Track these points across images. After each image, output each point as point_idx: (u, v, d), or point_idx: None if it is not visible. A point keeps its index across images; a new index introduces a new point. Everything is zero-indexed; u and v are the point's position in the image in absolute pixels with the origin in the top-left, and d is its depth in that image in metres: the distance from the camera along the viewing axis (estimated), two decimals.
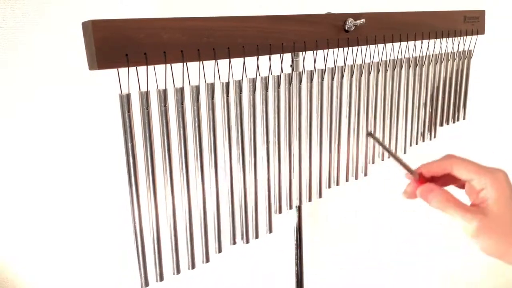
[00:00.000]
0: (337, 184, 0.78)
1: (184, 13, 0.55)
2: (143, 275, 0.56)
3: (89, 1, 0.82)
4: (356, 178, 0.81)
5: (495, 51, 1.33)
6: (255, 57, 0.59)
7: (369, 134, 0.54)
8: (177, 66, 0.53)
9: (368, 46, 0.73)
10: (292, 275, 0.97)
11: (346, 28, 0.67)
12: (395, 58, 0.80)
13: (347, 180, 0.80)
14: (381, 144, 0.50)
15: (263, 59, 0.60)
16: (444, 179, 0.46)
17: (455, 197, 0.42)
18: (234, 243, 0.65)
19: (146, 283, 0.56)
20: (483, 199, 0.41)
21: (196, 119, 0.57)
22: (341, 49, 0.69)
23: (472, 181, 0.43)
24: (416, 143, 0.92)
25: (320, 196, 0.76)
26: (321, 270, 1.28)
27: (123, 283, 0.98)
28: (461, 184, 0.46)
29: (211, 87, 0.57)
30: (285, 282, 1.19)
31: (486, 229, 0.40)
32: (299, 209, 0.89)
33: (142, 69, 0.49)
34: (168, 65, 0.51)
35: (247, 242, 0.66)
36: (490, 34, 1.03)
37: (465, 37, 0.91)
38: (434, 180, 0.46)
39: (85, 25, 0.46)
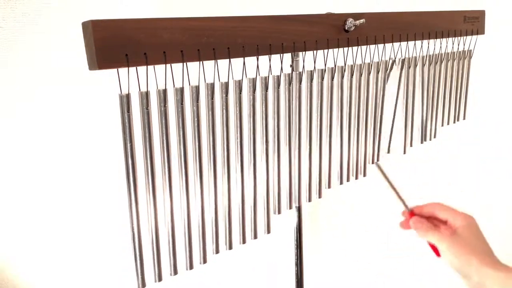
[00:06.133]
0: (338, 184, 0.78)
1: (184, 13, 0.55)
2: (139, 276, 0.55)
3: (89, 1, 0.82)
4: (356, 178, 0.81)
5: (495, 51, 1.33)
6: (255, 57, 0.59)
7: (377, 165, 0.63)
8: (177, 66, 0.53)
9: (368, 46, 0.73)
10: (292, 275, 0.97)
11: (346, 28, 0.67)
12: (395, 58, 0.80)
13: (347, 180, 0.80)
14: (386, 177, 0.61)
15: (263, 59, 0.60)
16: (430, 220, 0.61)
17: (434, 227, 0.58)
18: (231, 248, 0.65)
19: (143, 284, 0.56)
20: (454, 228, 0.56)
21: (196, 119, 0.57)
22: (341, 49, 0.69)
23: (449, 219, 0.58)
24: (419, 143, 0.92)
25: (320, 196, 0.76)
26: (321, 270, 1.29)
27: (123, 283, 0.98)
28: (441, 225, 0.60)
29: (211, 87, 0.57)
30: (285, 282, 1.19)
31: (452, 248, 0.54)
32: (299, 209, 0.89)
33: (142, 69, 0.49)
34: (168, 65, 0.51)
35: (244, 242, 0.66)
36: (490, 34, 1.03)
37: (465, 37, 0.91)
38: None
39: (85, 25, 0.46)
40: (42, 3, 0.79)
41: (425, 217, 0.61)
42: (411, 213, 0.63)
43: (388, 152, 0.88)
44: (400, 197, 0.62)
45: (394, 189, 0.62)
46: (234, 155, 0.62)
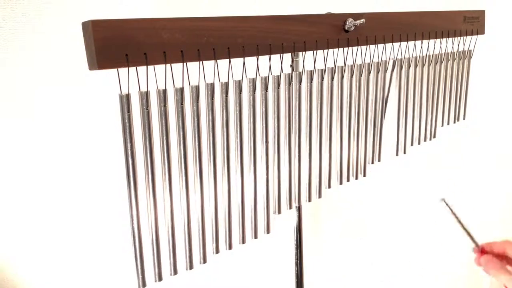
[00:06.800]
0: (338, 184, 0.78)
1: (184, 13, 0.55)
2: (140, 276, 0.56)
3: (89, 1, 0.82)
4: (356, 178, 0.81)
5: (495, 51, 1.33)
6: (255, 57, 0.59)
7: (443, 200, 0.62)
8: (177, 66, 0.53)
9: (368, 46, 0.73)
10: (292, 275, 0.97)
11: (346, 28, 0.67)
12: (395, 58, 0.80)
13: (347, 180, 0.80)
14: (453, 212, 0.61)
15: (263, 59, 0.60)
16: (500, 257, 0.60)
17: (506, 267, 0.56)
18: (230, 248, 0.65)
19: (144, 284, 0.56)
20: None
21: (196, 119, 0.57)
22: (341, 49, 0.69)
23: None
24: (419, 143, 0.92)
25: (319, 196, 0.76)
26: (321, 270, 1.29)
27: (123, 283, 0.98)
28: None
29: (211, 87, 0.57)
30: (285, 282, 1.19)
31: None
32: (299, 209, 0.89)
33: (142, 69, 0.49)
34: (168, 65, 0.51)
35: (244, 242, 0.66)
36: (490, 34, 1.03)
37: (465, 37, 0.91)
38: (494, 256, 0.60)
39: (85, 25, 0.46)
40: (42, 3, 0.79)
41: (495, 255, 0.59)
42: (482, 250, 0.61)
43: (397, 154, 0.88)
44: (468, 233, 0.61)
45: (462, 224, 0.61)
46: (234, 155, 0.62)
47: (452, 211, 0.61)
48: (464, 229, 0.61)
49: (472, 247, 0.62)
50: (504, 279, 0.54)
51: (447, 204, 0.61)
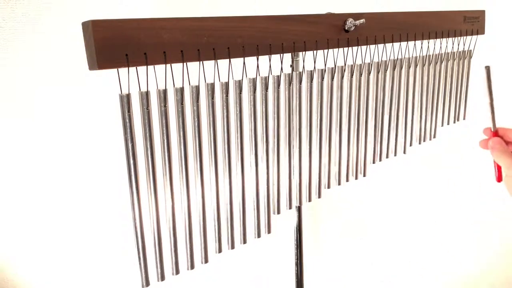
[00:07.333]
0: (338, 184, 0.78)
1: (184, 13, 0.55)
2: (143, 275, 0.56)
3: (89, 1, 0.82)
4: (356, 178, 0.81)
5: (495, 51, 1.33)
6: (255, 57, 0.59)
7: (486, 68, 0.59)
8: (177, 66, 0.53)
9: (368, 46, 0.73)
10: (292, 275, 0.97)
11: (346, 28, 0.67)
12: (395, 58, 0.80)
13: (347, 180, 0.80)
14: (490, 85, 0.59)
15: (263, 59, 0.60)
16: (509, 144, 0.60)
17: (510, 152, 0.57)
18: (233, 247, 0.65)
19: (147, 283, 0.56)
20: None
21: (196, 119, 0.57)
22: (341, 49, 0.69)
23: None
24: (419, 143, 0.92)
25: (319, 196, 0.76)
26: (321, 270, 1.29)
27: (123, 283, 0.98)
28: None
29: (211, 87, 0.57)
30: (285, 282, 1.19)
31: None
32: (299, 209, 0.89)
33: (142, 69, 0.49)
34: (168, 65, 0.51)
35: (245, 242, 0.66)
36: (490, 34, 1.03)
37: (465, 37, 0.91)
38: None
39: (85, 25, 0.46)
40: (42, 3, 0.79)
41: (506, 141, 0.60)
42: (495, 133, 0.62)
43: (397, 154, 0.88)
44: (493, 111, 0.61)
45: (491, 100, 0.60)
46: (234, 155, 0.62)
47: (489, 83, 0.59)
48: (491, 106, 0.60)
49: (484, 128, 0.62)
50: (504, 162, 0.56)
51: (488, 74, 0.59)
